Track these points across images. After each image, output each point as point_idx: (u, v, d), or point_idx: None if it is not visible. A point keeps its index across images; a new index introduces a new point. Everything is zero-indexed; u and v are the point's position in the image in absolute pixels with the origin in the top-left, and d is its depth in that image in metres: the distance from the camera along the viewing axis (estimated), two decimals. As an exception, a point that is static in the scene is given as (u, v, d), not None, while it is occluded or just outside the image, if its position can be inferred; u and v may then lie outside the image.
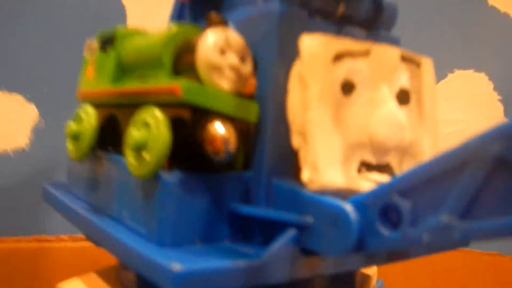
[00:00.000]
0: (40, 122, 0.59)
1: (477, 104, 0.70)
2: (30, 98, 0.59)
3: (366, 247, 0.20)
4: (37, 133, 0.59)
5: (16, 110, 0.58)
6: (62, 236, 0.60)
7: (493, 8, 0.69)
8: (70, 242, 0.60)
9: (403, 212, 0.19)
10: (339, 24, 0.27)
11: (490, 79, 0.70)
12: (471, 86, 0.70)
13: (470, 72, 0.70)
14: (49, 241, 0.60)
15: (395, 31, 0.30)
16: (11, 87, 0.58)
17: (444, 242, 0.19)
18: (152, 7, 0.61)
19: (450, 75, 0.70)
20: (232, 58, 0.23)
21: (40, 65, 0.59)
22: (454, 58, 0.70)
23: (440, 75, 0.70)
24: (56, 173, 0.59)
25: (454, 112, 0.70)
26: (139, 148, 0.23)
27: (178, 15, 0.34)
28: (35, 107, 0.59)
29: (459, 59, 0.70)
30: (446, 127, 0.70)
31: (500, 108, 0.70)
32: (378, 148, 0.24)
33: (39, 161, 0.59)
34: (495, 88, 0.70)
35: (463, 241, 0.18)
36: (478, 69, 0.70)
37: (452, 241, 0.18)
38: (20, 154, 0.59)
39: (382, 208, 0.20)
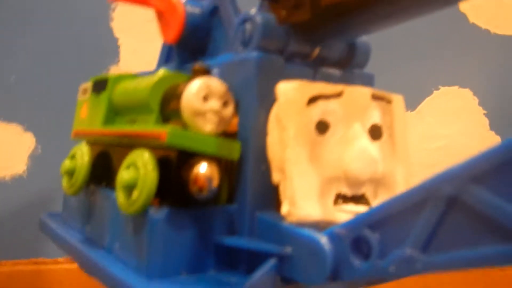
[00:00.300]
0: (36, 148, 0.61)
1: (463, 119, 0.72)
2: (28, 127, 0.60)
3: (340, 277, 0.22)
4: (34, 159, 0.61)
5: (14, 139, 0.60)
6: (58, 258, 0.61)
7: (474, 25, 0.71)
8: (67, 264, 0.62)
9: (373, 244, 0.21)
10: (314, 65, 0.29)
11: (474, 94, 0.72)
12: (456, 101, 0.72)
13: (455, 88, 0.72)
14: (46, 263, 0.61)
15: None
16: (9, 118, 0.60)
17: (408, 272, 0.21)
18: (144, 40, 0.63)
19: (435, 92, 0.72)
20: (214, 104, 0.25)
21: (38, 96, 0.61)
22: (439, 75, 0.72)
23: (426, 92, 0.72)
24: (52, 198, 0.60)
25: (440, 127, 0.72)
26: (129, 188, 0.25)
27: (166, 57, 0.36)
28: (32, 135, 0.61)
29: (443, 76, 0.72)
30: (433, 142, 0.72)
31: (485, 122, 0.72)
32: (353, 181, 0.26)
33: (36, 187, 0.61)
34: (480, 103, 0.72)
35: (425, 272, 0.20)
36: (462, 85, 0.72)
37: (415, 271, 0.20)
38: (18, 180, 0.61)
39: (354, 240, 0.22)
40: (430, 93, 0.72)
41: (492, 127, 0.72)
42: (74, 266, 0.60)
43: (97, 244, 0.30)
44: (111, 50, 0.64)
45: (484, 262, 0.17)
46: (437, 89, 0.72)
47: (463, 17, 0.71)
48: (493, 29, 0.71)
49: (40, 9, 0.62)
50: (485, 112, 0.72)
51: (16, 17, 0.61)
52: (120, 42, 0.64)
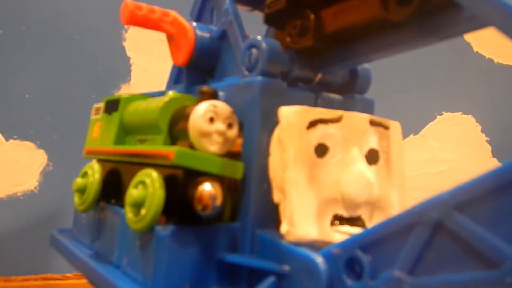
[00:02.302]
0: (48, 165, 0.63)
1: (465, 145, 0.73)
2: (40, 145, 0.62)
3: (334, 295, 0.23)
4: (46, 176, 0.63)
5: (27, 156, 0.62)
6: (67, 274, 0.62)
7: (478, 54, 0.73)
8: (75, 280, 0.63)
9: (364, 265, 0.22)
10: (316, 90, 0.30)
11: (477, 121, 0.74)
12: (459, 127, 0.73)
13: (458, 114, 0.74)
14: (55, 279, 0.62)
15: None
16: (23, 135, 0.62)
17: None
18: (155, 59, 0.65)
19: (439, 117, 0.73)
20: (219, 126, 0.27)
21: (50, 114, 0.63)
22: (443, 101, 0.73)
23: (430, 117, 0.73)
24: (63, 213, 0.62)
25: (443, 152, 0.73)
26: (137, 205, 0.26)
27: (175, 78, 0.37)
28: (44, 152, 0.62)
29: (447, 102, 0.73)
30: (436, 166, 0.73)
31: (488, 148, 0.73)
32: (349, 203, 0.27)
33: (47, 202, 0.63)
34: (482, 130, 0.73)
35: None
36: (465, 111, 0.74)
37: (404, 292, 0.21)
38: (30, 196, 0.62)
39: (347, 261, 0.23)
40: (434, 118, 0.73)
41: (494, 154, 0.73)
42: (83, 281, 0.62)
43: (106, 260, 0.31)
44: (123, 69, 0.65)
45: (468, 286, 0.18)
46: (441, 114, 0.73)
47: (468, 46, 0.73)
48: (497, 59, 0.73)
49: (54, 29, 0.64)
50: (487, 139, 0.73)
51: (30, 37, 0.63)
52: (132, 61, 0.66)
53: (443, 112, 0.73)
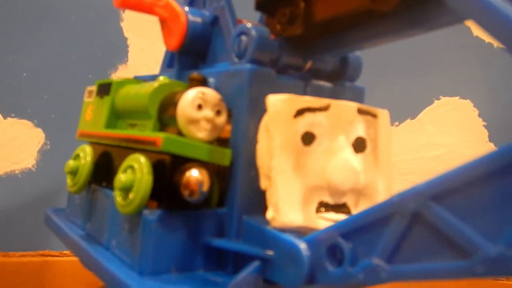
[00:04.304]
0: (45, 144, 0.63)
1: (462, 129, 0.73)
2: (38, 123, 0.63)
3: (315, 280, 0.24)
4: (43, 154, 0.63)
5: (24, 134, 0.62)
6: (64, 251, 0.63)
7: (477, 38, 0.72)
8: (72, 257, 0.64)
9: (345, 252, 0.22)
10: (306, 77, 0.30)
11: (475, 105, 0.74)
12: (456, 112, 0.73)
13: (455, 99, 0.73)
14: (53, 255, 0.63)
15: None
16: (20, 114, 0.62)
17: (374, 280, 0.22)
18: (152, 40, 0.65)
19: (436, 102, 0.73)
20: (207, 112, 0.27)
21: (47, 93, 0.63)
22: (440, 85, 0.73)
23: (427, 102, 0.73)
24: (59, 192, 0.63)
25: (439, 137, 0.73)
26: (126, 189, 0.27)
27: (168, 61, 0.38)
28: (41, 131, 0.63)
29: (445, 87, 0.73)
30: (432, 150, 0.73)
31: (484, 133, 0.73)
32: (335, 191, 0.27)
33: (44, 180, 0.63)
34: (480, 115, 0.73)
35: (389, 281, 0.22)
36: (463, 96, 0.73)
37: (381, 280, 0.21)
38: (27, 174, 0.63)
39: (329, 248, 0.23)
40: (431, 102, 0.73)
41: (491, 138, 0.73)
42: (78, 258, 0.63)
43: (97, 241, 0.32)
44: (120, 50, 0.65)
45: (442, 275, 0.19)
46: (438, 99, 0.73)
47: (467, 30, 0.72)
48: (496, 43, 0.72)
49: (51, 9, 0.64)
50: (484, 123, 0.73)
51: (28, 17, 0.63)
52: (129, 41, 0.66)
53: (440, 96, 0.73)
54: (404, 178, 0.72)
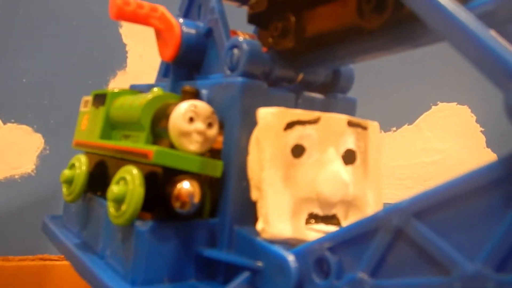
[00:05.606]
0: (45, 149, 0.64)
1: (459, 135, 0.74)
2: (37, 128, 0.63)
3: (303, 292, 0.24)
4: (42, 159, 0.64)
5: (24, 139, 0.63)
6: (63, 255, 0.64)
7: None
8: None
9: (332, 265, 0.23)
10: (298, 90, 0.31)
11: (472, 111, 0.74)
12: (454, 118, 0.74)
13: (453, 105, 0.74)
14: (52, 260, 0.64)
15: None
16: (20, 119, 0.63)
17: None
18: (150, 46, 0.65)
19: (434, 107, 0.74)
20: (199, 125, 0.28)
21: (47, 98, 0.64)
22: (438, 91, 0.74)
23: (424, 107, 0.74)
24: (58, 196, 0.63)
25: (437, 142, 0.73)
26: (118, 201, 0.27)
27: (164, 71, 0.38)
28: (41, 136, 0.63)
29: (442, 93, 0.74)
30: (430, 156, 0.73)
31: (482, 139, 0.74)
32: (324, 203, 0.28)
33: (44, 185, 0.64)
34: (477, 121, 0.74)
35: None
36: (461, 102, 0.74)
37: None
38: (27, 179, 0.63)
39: (317, 260, 0.24)
40: (429, 108, 0.73)
41: (489, 144, 0.73)
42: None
43: (92, 249, 0.33)
44: (120, 56, 0.66)
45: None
46: (436, 104, 0.73)
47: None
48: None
49: (52, 15, 0.64)
50: (482, 129, 0.74)
51: (28, 22, 0.63)
52: (128, 48, 0.66)
53: (438, 102, 0.74)
54: (402, 183, 0.72)
